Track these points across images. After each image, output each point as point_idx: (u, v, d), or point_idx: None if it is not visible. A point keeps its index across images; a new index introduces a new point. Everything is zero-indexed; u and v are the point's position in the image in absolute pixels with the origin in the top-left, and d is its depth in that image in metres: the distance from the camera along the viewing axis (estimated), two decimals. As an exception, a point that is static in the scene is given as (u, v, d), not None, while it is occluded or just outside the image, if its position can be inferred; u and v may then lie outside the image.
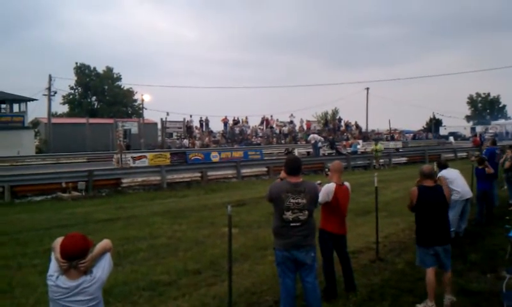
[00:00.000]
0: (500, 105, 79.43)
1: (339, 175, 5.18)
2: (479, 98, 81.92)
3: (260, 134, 38.80)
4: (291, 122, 42.20)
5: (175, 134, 35.66)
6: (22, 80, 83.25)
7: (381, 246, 7.00)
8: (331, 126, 44.61)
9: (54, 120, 37.69)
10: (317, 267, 4.40)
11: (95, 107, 57.71)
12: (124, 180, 16.83)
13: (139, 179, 17.22)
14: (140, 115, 42.35)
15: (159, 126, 37.64)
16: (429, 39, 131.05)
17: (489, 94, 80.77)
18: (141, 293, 5.42)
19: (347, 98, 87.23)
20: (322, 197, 4.89)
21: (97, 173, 16.48)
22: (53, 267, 2.67)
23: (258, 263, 6.50)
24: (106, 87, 57.75)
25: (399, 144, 38.45)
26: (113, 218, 10.61)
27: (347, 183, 5.24)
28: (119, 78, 59.25)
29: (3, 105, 34.83)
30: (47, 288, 2.69)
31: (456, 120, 64.28)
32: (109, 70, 58.36)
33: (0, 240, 8.41)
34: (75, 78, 55.88)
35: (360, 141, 33.67)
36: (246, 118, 41.32)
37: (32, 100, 34.86)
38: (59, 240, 2.70)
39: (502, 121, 60.41)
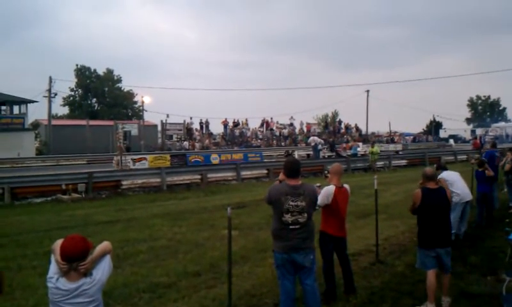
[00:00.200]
0: (501, 108, 79.48)
1: (338, 177, 5.19)
2: (479, 101, 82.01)
3: (260, 136, 38.86)
4: (291, 124, 42.26)
5: (175, 136, 35.69)
6: (22, 81, 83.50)
7: (380, 249, 7.01)
8: (331, 128, 44.70)
9: (54, 122, 37.75)
10: (317, 269, 4.40)
11: (95, 109, 57.82)
12: (124, 182, 16.83)
13: (139, 181, 17.21)
14: (140, 117, 42.38)
15: (159, 128, 37.71)
16: (430, 41, 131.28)
17: (489, 96, 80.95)
18: (141, 295, 5.42)
19: (347, 100, 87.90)
20: (321, 199, 4.90)
21: (97, 175, 16.47)
22: (53, 269, 2.68)
23: (258, 266, 6.51)
24: (106, 89, 57.82)
25: (399, 147, 38.48)
26: (113, 220, 10.60)
27: (346, 186, 5.24)
28: (119, 80, 59.42)
29: (3, 107, 34.89)
30: (46, 290, 2.69)
31: (456, 123, 64.58)
32: (110, 72, 58.50)
33: (0, 242, 8.40)
34: (76, 80, 56.09)
35: (360, 144, 33.66)
36: (246, 120, 41.44)
37: (33, 101, 34.97)
38: (59, 242, 2.70)
39: (502, 123, 60.52)
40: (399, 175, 20.96)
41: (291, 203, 4.03)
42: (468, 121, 76.09)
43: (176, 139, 35.06)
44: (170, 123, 35.43)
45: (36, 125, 38.43)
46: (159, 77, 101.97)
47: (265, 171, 20.86)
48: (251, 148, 32.09)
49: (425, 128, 61.91)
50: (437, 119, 61.28)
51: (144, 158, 22.09)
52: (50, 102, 35.41)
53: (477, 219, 8.88)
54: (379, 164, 25.07)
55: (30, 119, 36.24)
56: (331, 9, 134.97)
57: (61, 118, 54.75)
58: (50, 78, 35.23)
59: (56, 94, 36.33)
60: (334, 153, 29.42)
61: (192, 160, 23.15)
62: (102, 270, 2.73)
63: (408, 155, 30.66)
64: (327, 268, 5.12)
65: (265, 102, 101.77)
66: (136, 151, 28.91)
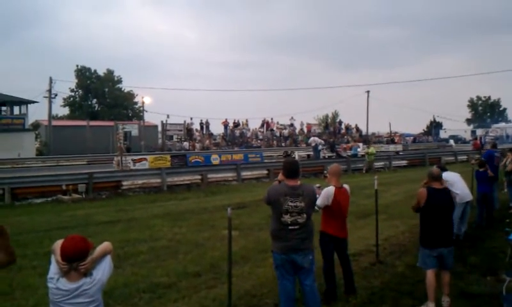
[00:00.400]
0: (501, 109, 79.46)
1: (337, 178, 5.18)
2: (480, 102, 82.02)
3: (261, 137, 38.85)
4: (291, 125, 42.26)
5: (175, 137, 35.69)
6: (23, 82, 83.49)
7: (381, 249, 7.01)
8: (332, 129, 44.70)
9: (54, 122, 37.75)
10: (316, 269, 4.40)
11: (96, 109, 57.86)
12: (124, 183, 16.85)
13: (140, 181, 17.23)
14: (140, 117, 42.37)
15: (160, 128, 37.69)
16: (430, 41, 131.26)
17: (489, 97, 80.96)
18: (141, 295, 5.42)
19: (348, 100, 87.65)
20: (321, 201, 4.90)
21: (97, 175, 16.49)
22: (53, 269, 2.68)
23: (259, 266, 6.51)
24: (107, 89, 57.84)
25: (399, 147, 38.47)
26: (113, 220, 10.61)
27: (346, 186, 5.24)
28: (119, 81, 59.46)
29: (4, 108, 34.91)
30: (47, 290, 2.70)
31: (457, 123, 64.55)
32: (110, 73, 58.54)
33: (1, 242, 8.41)
34: (76, 80, 56.08)
35: (360, 144, 33.68)
36: (247, 120, 41.46)
37: (33, 102, 34.99)
38: (59, 242, 2.71)
39: (502, 124, 60.45)
40: (399, 175, 20.98)
41: (290, 203, 4.03)
42: (469, 121, 76.10)
43: (176, 140, 35.06)
44: (170, 124, 35.44)
45: (36, 126, 38.45)
46: (159, 77, 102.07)
47: (266, 172, 20.88)
48: (251, 149, 32.09)
49: (425, 129, 61.93)
50: (437, 119, 61.35)
51: (145, 159, 22.10)
52: (50, 103, 35.44)
53: (477, 220, 8.89)
54: (379, 164, 25.10)
55: (30, 119, 36.27)
56: (331, 9, 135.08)
57: (62, 118, 54.75)
58: (51, 79, 35.29)
59: (56, 95, 36.43)
60: (334, 154, 29.45)
61: (193, 161, 23.16)
62: (103, 271, 2.73)
63: (408, 155, 30.65)
64: (327, 268, 5.12)
65: (265, 103, 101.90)
66: (136, 151, 28.90)
